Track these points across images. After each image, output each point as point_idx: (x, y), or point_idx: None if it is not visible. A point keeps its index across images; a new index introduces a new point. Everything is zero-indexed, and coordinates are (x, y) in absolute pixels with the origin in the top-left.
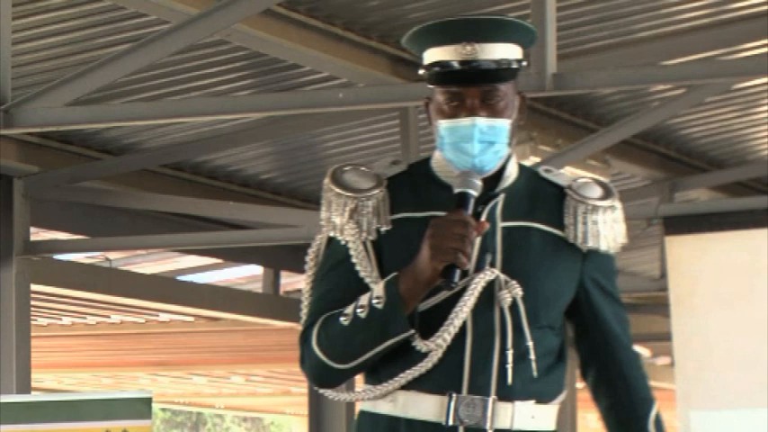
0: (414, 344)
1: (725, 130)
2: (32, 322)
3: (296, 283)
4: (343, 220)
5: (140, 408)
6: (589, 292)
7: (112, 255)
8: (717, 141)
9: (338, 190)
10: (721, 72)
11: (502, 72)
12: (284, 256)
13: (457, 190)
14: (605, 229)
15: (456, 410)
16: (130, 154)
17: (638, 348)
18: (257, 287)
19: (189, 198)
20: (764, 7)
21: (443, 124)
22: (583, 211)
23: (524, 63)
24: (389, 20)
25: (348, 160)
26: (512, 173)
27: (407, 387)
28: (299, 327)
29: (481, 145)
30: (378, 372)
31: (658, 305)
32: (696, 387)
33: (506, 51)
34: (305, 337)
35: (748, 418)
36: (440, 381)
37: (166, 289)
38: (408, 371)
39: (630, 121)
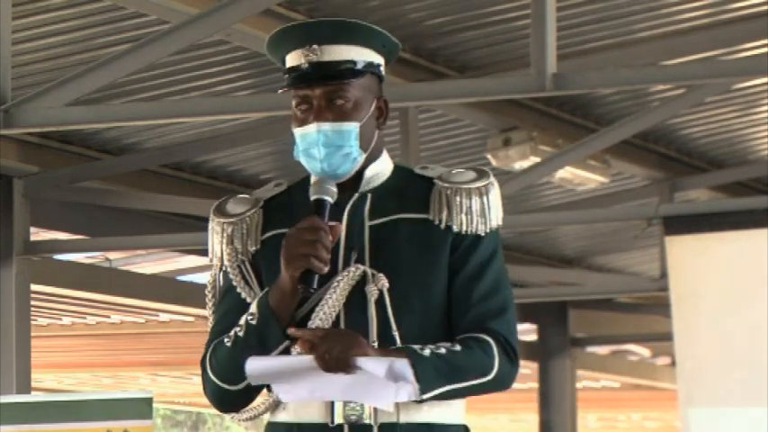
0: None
1: (725, 130)
2: (32, 322)
3: None
4: (222, 247)
5: (141, 408)
6: (454, 272)
7: (112, 255)
8: (717, 141)
9: (218, 218)
10: (721, 72)
11: (342, 72)
12: None
13: (313, 197)
14: (471, 209)
15: (339, 409)
16: (130, 154)
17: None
18: None
19: (189, 198)
20: (764, 7)
21: (296, 132)
22: (447, 194)
23: (381, 66)
24: (389, 20)
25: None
26: (380, 173)
27: None
28: None
29: (327, 149)
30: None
31: (659, 305)
32: (697, 386)
33: (352, 53)
34: (203, 365)
35: (749, 416)
36: None
37: (166, 289)
38: None
39: (630, 121)
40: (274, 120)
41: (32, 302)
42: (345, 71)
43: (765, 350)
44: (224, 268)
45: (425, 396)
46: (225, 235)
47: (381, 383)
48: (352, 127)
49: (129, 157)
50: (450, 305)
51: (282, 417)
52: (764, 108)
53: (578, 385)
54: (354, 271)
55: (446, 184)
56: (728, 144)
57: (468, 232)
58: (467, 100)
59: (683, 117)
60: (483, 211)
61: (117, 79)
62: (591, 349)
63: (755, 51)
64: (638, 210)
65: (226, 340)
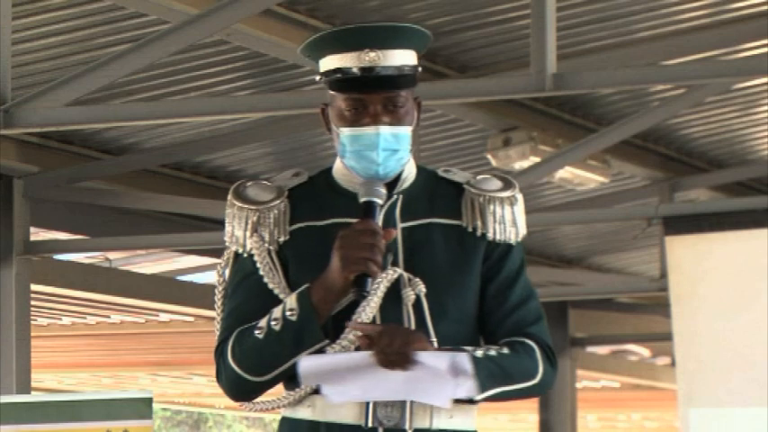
0: (324, 348)
1: (725, 130)
2: (32, 322)
3: None
4: (246, 234)
5: (141, 408)
6: (488, 280)
7: (112, 255)
8: (717, 141)
9: (240, 204)
10: (721, 72)
11: (402, 78)
12: None
13: (362, 199)
14: (503, 218)
15: (375, 412)
16: (130, 154)
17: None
18: None
19: (189, 198)
20: (764, 7)
21: (346, 132)
22: (479, 202)
23: (419, 69)
24: (389, 20)
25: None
26: (409, 175)
27: None
28: None
29: (385, 153)
30: (293, 378)
31: (658, 305)
32: (697, 386)
33: (405, 57)
34: (220, 352)
35: (749, 416)
36: None
37: (166, 289)
38: None
39: (630, 121)
40: (274, 120)
41: (32, 302)
42: (404, 79)
43: (765, 350)
44: (245, 254)
45: (479, 397)
46: (249, 222)
47: (438, 380)
48: (407, 131)
49: (129, 157)
50: (483, 312)
51: (305, 414)
52: (764, 108)
53: (578, 385)
54: (392, 274)
55: (476, 191)
56: (728, 144)
57: (501, 241)
58: (467, 100)
59: (683, 117)
60: (514, 220)
61: (117, 79)
62: (591, 349)
63: (755, 51)
64: (638, 210)
65: (257, 332)
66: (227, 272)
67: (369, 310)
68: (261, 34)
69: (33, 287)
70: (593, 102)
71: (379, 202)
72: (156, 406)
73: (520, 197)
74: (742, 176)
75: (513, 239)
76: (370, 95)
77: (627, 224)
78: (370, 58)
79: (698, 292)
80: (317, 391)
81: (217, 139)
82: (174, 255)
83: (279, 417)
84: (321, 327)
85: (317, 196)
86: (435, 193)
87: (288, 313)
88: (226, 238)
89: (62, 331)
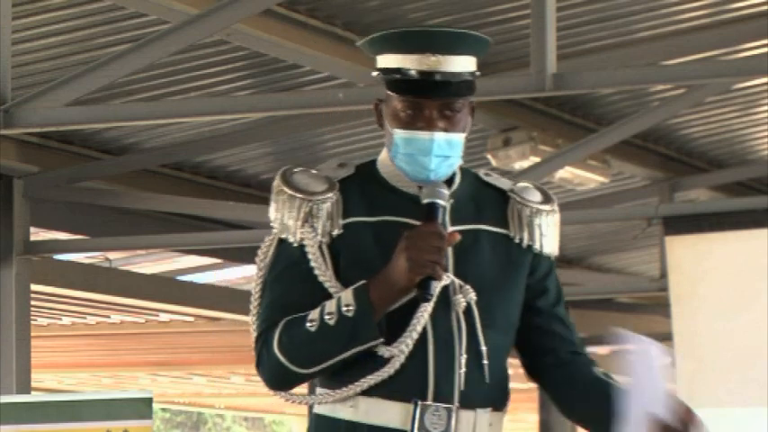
0: (376, 349)
1: (725, 130)
2: (32, 322)
3: None
4: (297, 223)
5: (141, 408)
6: (537, 295)
7: (112, 255)
8: (717, 141)
9: (291, 192)
10: (721, 72)
11: (461, 85)
12: None
13: (425, 200)
14: (548, 232)
15: (421, 418)
16: (130, 154)
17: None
18: None
19: (189, 198)
20: (764, 7)
21: (400, 134)
22: (527, 214)
23: (478, 74)
24: (389, 20)
25: (348, 160)
26: (457, 178)
27: (370, 393)
28: None
29: (437, 159)
30: (337, 375)
31: (658, 305)
32: (697, 386)
33: (465, 64)
34: (263, 340)
35: (748, 416)
36: (405, 388)
37: (166, 289)
38: (370, 376)
39: (630, 121)
40: (274, 120)
41: (32, 302)
42: (462, 85)
43: (765, 350)
44: (294, 244)
45: None
46: (301, 212)
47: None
48: (461, 138)
49: (129, 157)
50: (531, 327)
51: (346, 414)
52: (764, 108)
53: None
54: (445, 279)
55: (521, 201)
56: (728, 144)
57: (547, 254)
58: None
59: (683, 117)
60: (555, 234)
61: (117, 79)
62: (591, 349)
63: (755, 51)
64: (638, 210)
65: (308, 324)
66: (270, 256)
67: (426, 314)
68: (261, 34)
69: (33, 287)
70: (593, 102)
71: (442, 203)
72: (155, 406)
73: (558, 210)
74: (742, 176)
75: (554, 254)
76: (427, 100)
77: (627, 224)
78: (431, 62)
79: (698, 292)
80: (364, 393)
81: (217, 139)
82: (174, 255)
83: (278, 418)
84: (378, 324)
85: (367, 191)
86: (481, 199)
87: (344, 309)
88: (273, 225)
89: (62, 331)
